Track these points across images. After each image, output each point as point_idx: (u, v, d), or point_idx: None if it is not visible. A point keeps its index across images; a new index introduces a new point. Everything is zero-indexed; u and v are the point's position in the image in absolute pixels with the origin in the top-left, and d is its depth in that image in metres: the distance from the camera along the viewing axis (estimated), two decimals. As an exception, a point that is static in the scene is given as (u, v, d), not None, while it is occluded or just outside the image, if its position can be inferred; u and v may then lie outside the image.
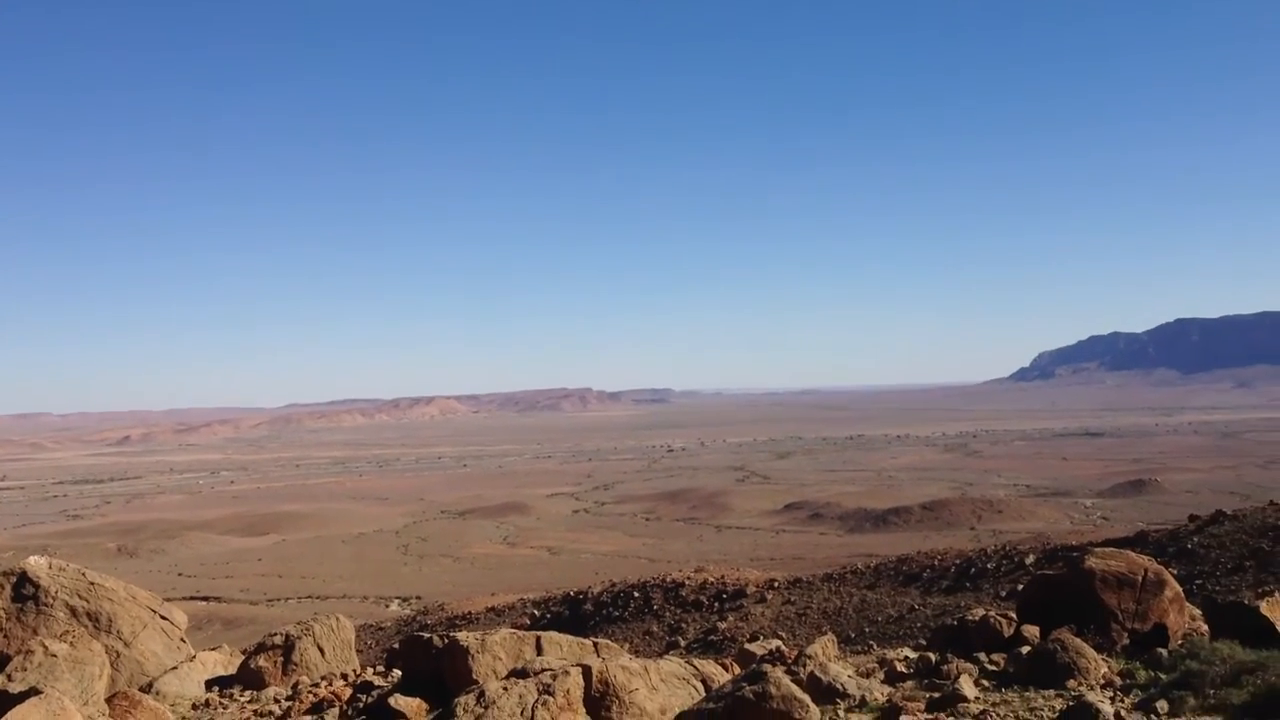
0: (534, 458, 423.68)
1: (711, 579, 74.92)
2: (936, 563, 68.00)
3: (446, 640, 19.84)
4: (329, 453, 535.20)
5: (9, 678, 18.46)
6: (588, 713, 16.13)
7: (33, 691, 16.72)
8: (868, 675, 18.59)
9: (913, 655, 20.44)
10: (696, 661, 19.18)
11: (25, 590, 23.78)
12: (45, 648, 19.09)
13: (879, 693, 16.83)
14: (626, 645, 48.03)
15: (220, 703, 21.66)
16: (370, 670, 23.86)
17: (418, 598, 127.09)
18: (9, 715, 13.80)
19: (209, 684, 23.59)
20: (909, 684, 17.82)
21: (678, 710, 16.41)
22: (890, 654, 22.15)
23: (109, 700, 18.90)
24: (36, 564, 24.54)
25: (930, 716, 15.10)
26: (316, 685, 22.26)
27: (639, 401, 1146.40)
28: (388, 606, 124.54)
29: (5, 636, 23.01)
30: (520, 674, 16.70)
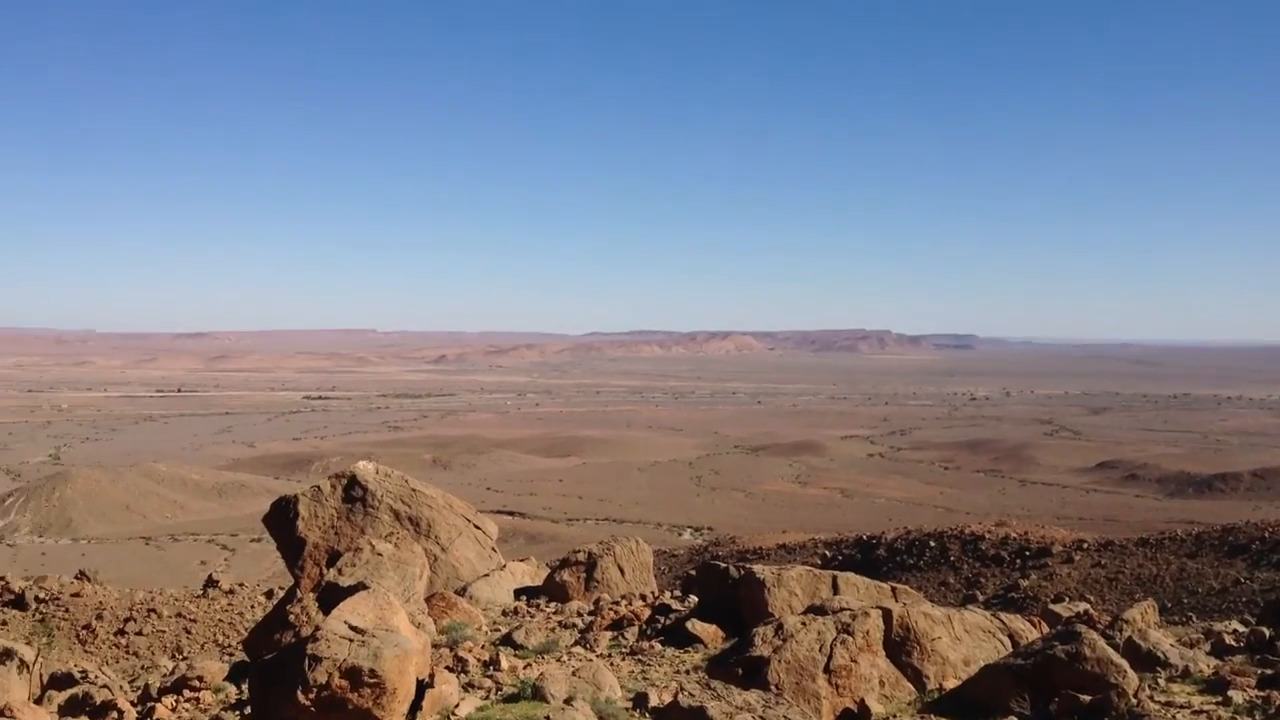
0: (829, 398, 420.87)
1: (1014, 534, 72.34)
2: (1268, 535, 62.87)
3: (743, 571, 19.90)
4: (627, 382, 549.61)
5: (339, 571, 19.83)
6: (888, 656, 15.79)
7: (360, 586, 17.90)
8: (1191, 646, 17.36)
9: (1242, 629, 18.95)
10: (1003, 616, 18.43)
11: (354, 492, 25.48)
12: (372, 546, 20.37)
13: (1204, 664, 15.65)
14: (920, 595, 46.88)
15: (528, 611, 22.57)
16: (668, 594, 24.31)
17: (709, 528, 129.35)
18: (341, 605, 14.75)
19: (517, 593, 24.66)
20: (1238, 658, 16.50)
21: (982, 662, 15.83)
22: (1217, 626, 20.66)
23: (428, 600, 20.06)
24: (365, 469, 26.21)
25: (1262, 694, 13.90)
26: (617, 603, 22.85)
27: (940, 346, 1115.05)
28: (680, 535, 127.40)
29: (336, 534, 24.75)
30: (818, 610, 16.52)
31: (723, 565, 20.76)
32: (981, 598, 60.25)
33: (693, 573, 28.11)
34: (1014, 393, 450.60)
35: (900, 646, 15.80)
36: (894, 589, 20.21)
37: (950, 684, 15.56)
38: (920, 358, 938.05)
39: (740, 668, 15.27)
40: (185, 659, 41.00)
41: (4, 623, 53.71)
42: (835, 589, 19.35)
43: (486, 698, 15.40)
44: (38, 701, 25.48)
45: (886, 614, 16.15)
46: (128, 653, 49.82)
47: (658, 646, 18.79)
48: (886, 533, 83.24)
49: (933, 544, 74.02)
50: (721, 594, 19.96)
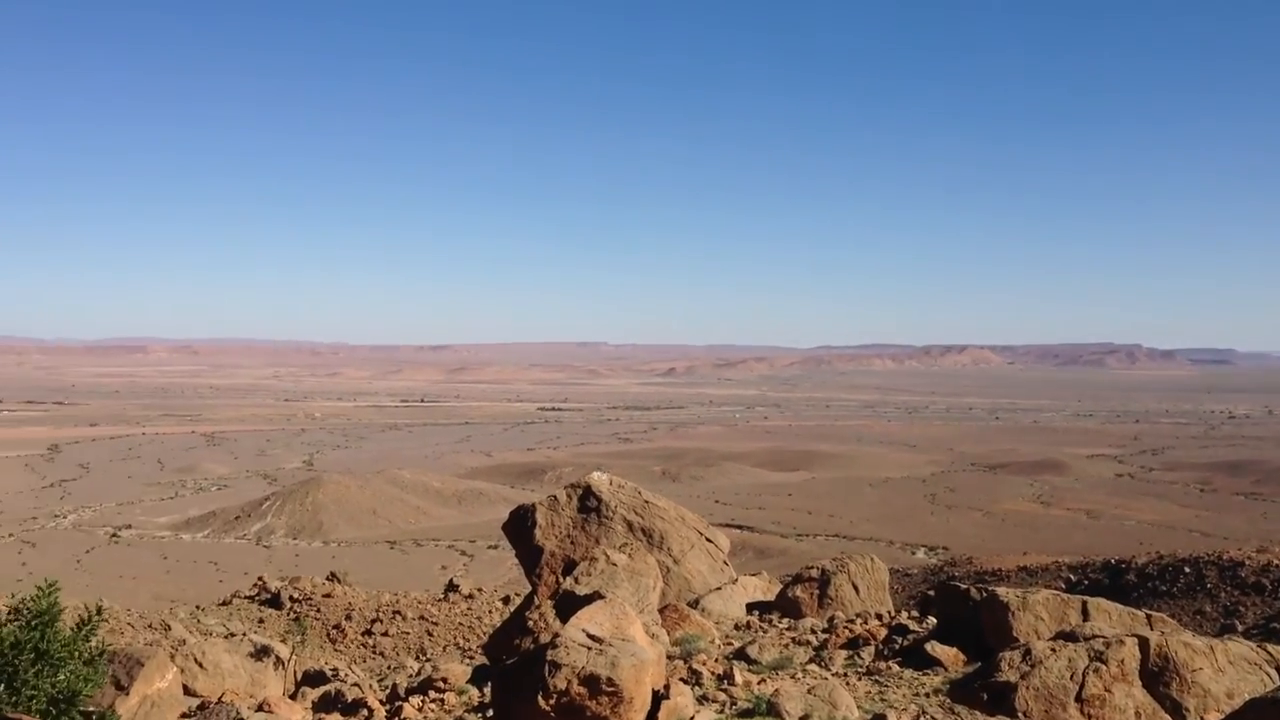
0: (1073, 415, 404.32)
1: (1276, 561, 67.55)
2: None
3: (985, 593, 19.16)
4: (858, 395, 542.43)
5: (576, 580, 20.13)
6: (1144, 686, 14.85)
7: (596, 595, 18.11)
8: None
9: None
10: (1270, 648, 17.09)
11: (589, 503, 25.83)
12: (607, 557, 20.60)
13: None
14: (1176, 623, 44.26)
15: (760, 626, 22.35)
16: (904, 614, 23.66)
17: (944, 548, 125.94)
18: (579, 613, 14.89)
19: (749, 607, 24.47)
20: None
21: (1246, 696, 14.69)
22: None
23: (661, 611, 20.10)
24: (599, 479, 26.54)
25: None
26: (852, 621, 22.37)
27: (1195, 361, 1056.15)
28: (914, 554, 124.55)
29: (571, 543, 25.14)
30: (1068, 637, 15.71)
31: (963, 586, 20.05)
32: (1240, 628, 56.35)
33: (929, 593, 27.30)
34: (1277, 411, 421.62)
35: (1158, 677, 14.85)
36: (1149, 616, 19.06)
37: (1212, 718, 14.53)
38: (1174, 373, 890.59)
39: (985, 693, 14.66)
40: (429, 660, 42.51)
41: (261, 621, 56.98)
42: (1085, 615, 18.39)
43: (721, 711, 15.28)
44: (292, 697, 26.84)
45: (1143, 642, 15.21)
46: (374, 652, 52.08)
47: (895, 667, 18.28)
48: (1137, 557, 79.04)
49: (1187, 570, 69.85)
50: (961, 616, 19.27)
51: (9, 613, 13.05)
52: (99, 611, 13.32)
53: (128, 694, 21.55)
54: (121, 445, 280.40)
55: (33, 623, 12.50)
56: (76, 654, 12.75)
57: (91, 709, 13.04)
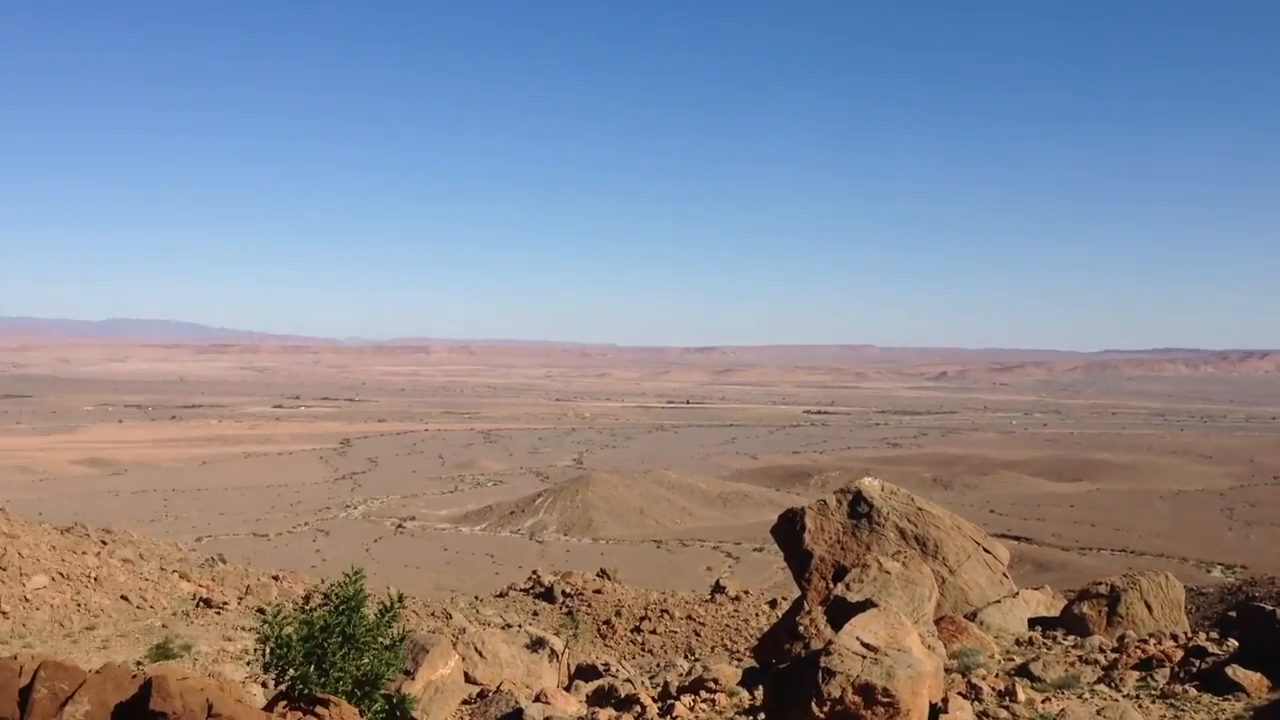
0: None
1: None
2: None
3: (1294, 617, 17.76)
4: (1146, 403, 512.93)
5: (847, 587, 19.85)
6: None
7: (869, 603, 17.78)
8: None
9: None
10: None
11: (860, 509, 25.43)
12: (879, 564, 20.22)
13: None
14: None
15: (1043, 642, 21.45)
16: (1202, 635, 22.18)
17: (1242, 566, 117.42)
18: (853, 621, 14.67)
19: (1031, 622, 23.52)
20: None
21: None
22: None
23: (936, 622, 19.58)
24: (870, 485, 26.10)
25: None
26: (1144, 641, 21.13)
27: None
28: (1209, 572, 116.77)
29: (841, 548, 24.82)
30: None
31: (1267, 608, 18.63)
32: None
33: (1229, 614, 25.48)
34: None
35: None
36: None
37: None
38: None
39: (1298, 726, 13.57)
40: (698, 660, 42.89)
41: (535, 613, 58.95)
42: None
43: (1002, 729, 14.71)
44: (566, 689, 27.61)
45: None
46: (643, 649, 52.96)
47: (1192, 691, 17.16)
48: None
49: None
50: (1266, 640, 17.91)
51: (320, 598, 14.02)
52: (400, 599, 14.11)
53: (414, 679, 22.70)
54: (406, 440, 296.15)
55: (340, 608, 13.37)
56: (379, 639, 13.57)
57: (389, 692, 13.85)
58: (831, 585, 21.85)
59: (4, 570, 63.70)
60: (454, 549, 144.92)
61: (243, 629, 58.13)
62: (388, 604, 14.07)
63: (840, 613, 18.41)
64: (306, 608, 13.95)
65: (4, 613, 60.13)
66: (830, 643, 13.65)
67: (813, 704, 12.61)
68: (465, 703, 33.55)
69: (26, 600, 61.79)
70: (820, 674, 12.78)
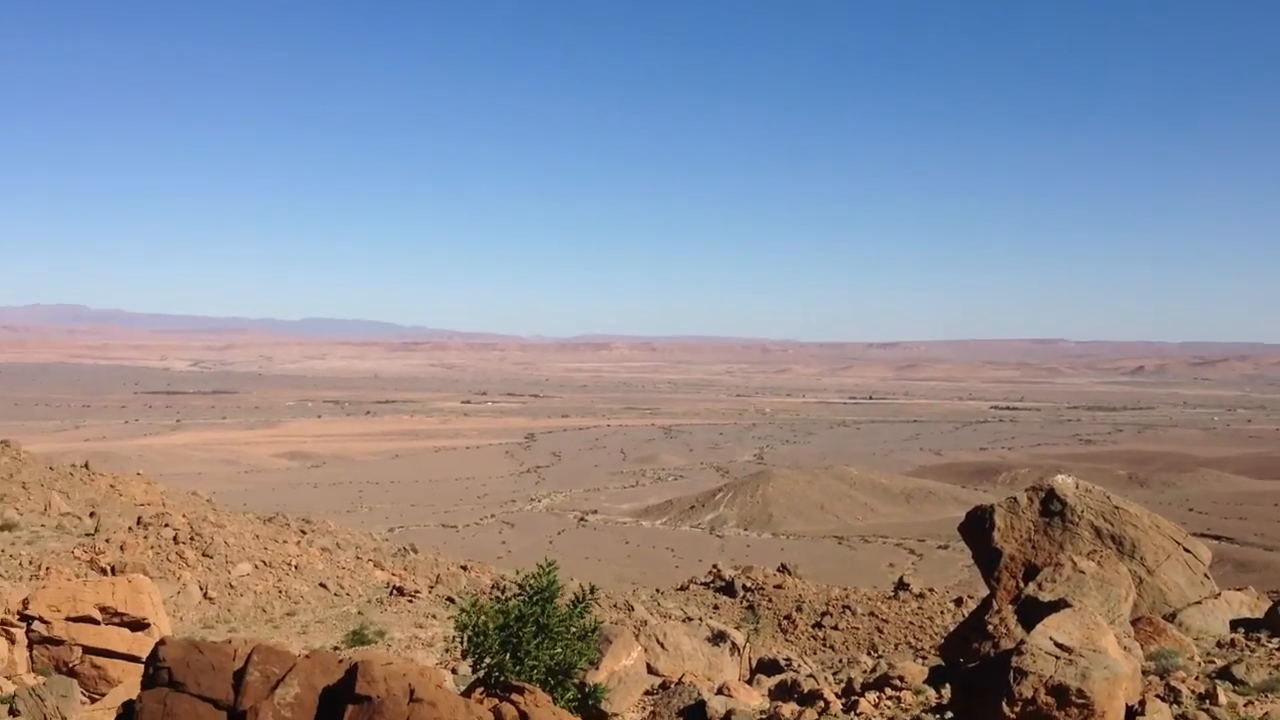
0: None
1: None
2: None
3: None
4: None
5: (1039, 586, 19.38)
6: None
7: (1062, 603, 17.34)
8: None
9: None
10: None
11: (1052, 506, 24.72)
12: (1073, 563, 19.66)
13: None
14: None
15: (1246, 645, 20.53)
16: None
17: None
18: (1045, 621, 14.36)
19: (1233, 624, 22.54)
20: None
21: None
22: None
23: (1133, 623, 18.96)
24: (1064, 483, 25.35)
25: None
26: (1360, 648, 20.02)
27: None
28: None
29: (1033, 547, 24.20)
30: None
31: None
32: None
33: None
34: None
35: None
36: None
37: None
38: None
39: None
40: (881, 657, 42.43)
41: (716, 607, 59.23)
42: None
43: (1203, 734, 14.20)
44: (748, 682, 27.73)
45: None
46: (824, 645, 52.69)
47: None
48: None
49: None
50: None
51: (515, 589, 14.48)
52: (592, 591, 14.48)
53: (597, 669, 23.17)
54: (589, 436, 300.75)
55: (534, 599, 13.81)
56: (571, 629, 13.95)
57: (579, 682, 14.23)
58: (1022, 584, 21.36)
59: (211, 558, 67.45)
60: (635, 542, 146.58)
61: (433, 617, 60.18)
62: (579, 595, 14.44)
63: (1031, 612, 18.00)
64: (501, 598, 14.42)
65: (210, 598, 63.66)
66: (1022, 642, 13.41)
67: (1004, 704, 12.42)
68: (647, 693, 34.02)
69: (232, 586, 65.28)
70: (1012, 674, 12.58)
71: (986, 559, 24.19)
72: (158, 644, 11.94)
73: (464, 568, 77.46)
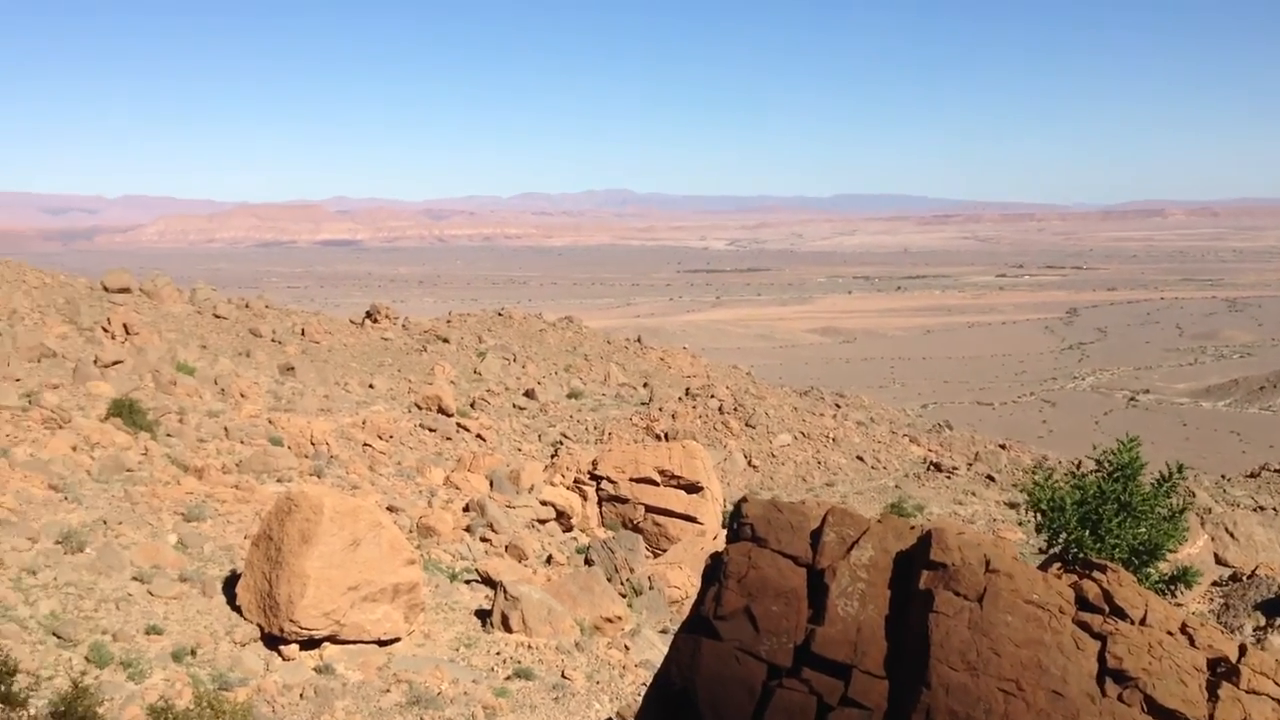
0: None
1: None
2: None
3: None
4: None
5: None
6: None
7: None
8: None
9: None
10: None
11: None
12: None
13: None
14: None
15: None
16: None
17: None
18: None
19: None
20: None
21: None
22: None
23: None
24: None
25: None
26: None
27: None
28: None
29: None
30: None
31: None
32: None
33: None
34: None
35: None
36: None
37: None
38: None
39: None
40: None
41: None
42: None
43: None
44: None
45: None
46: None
47: None
48: None
49: None
50: None
51: (1093, 465, 13.87)
52: (1179, 470, 13.55)
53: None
54: (1138, 310, 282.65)
55: (1115, 475, 13.15)
56: (1156, 509, 13.17)
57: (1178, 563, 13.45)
58: None
59: (753, 428, 71.04)
60: (1193, 425, 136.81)
61: (972, 494, 59.74)
62: (1165, 475, 13.55)
63: None
64: (1076, 474, 13.87)
65: (754, 466, 67.26)
66: None
67: None
68: (1215, 584, 31.77)
69: (773, 456, 68.46)
70: None
71: None
72: (740, 501, 12.59)
73: (1002, 446, 75.97)
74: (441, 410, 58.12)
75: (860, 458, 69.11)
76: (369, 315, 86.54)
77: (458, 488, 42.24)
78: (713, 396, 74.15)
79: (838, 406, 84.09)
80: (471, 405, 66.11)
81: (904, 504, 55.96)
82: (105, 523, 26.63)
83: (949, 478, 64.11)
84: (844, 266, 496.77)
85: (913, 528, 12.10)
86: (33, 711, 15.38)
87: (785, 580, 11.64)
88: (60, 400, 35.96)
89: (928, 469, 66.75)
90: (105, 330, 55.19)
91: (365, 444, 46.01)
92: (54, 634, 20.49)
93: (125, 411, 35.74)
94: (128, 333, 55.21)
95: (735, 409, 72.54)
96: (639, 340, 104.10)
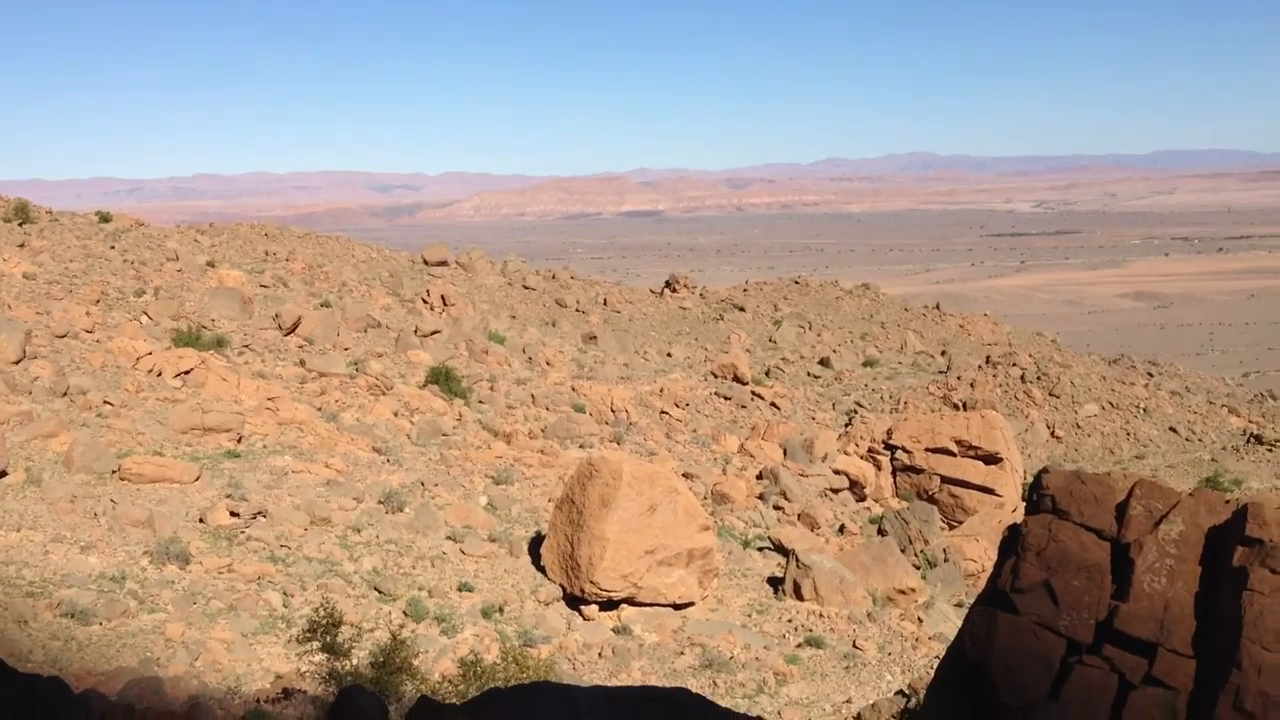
0: None
1: None
2: None
3: None
4: None
5: None
6: None
7: None
8: None
9: None
10: None
11: None
12: None
13: None
14: None
15: None
16: None
17: None
18: None
19: None
20: None
21: None
22: None
23: None
24: None
25: None
26: None
27: None
28: None
29: None
30: None
31: None
32: None
33: None
34: None
35: None
36: None
37: None
38: None
39: None
40: None
41: None
42: None
43: None
44: None
45: None
46: None
47: None
48: None
49: None
50: None
51: None
52: None
53: None
54: None
55: None
56: None
57: None
58: None
59: (1058, 397, 68.28)
60: None
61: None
62: None
63: None
64: None
65: (1058, 437, 64.66)
66: None
67: None
68: None
69: (1078, 426, 65.63)
70: None
71: None
72: (1041, 472, 12.31)
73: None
74: (737, 378, 58.94)
75: (1173, 429, 65.35)
76: (668, 285, 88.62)
77: (751, 455, 42.81)
78: (1014, 365, 71.81)
79: (1150, 375, 79.72)
80: (766, 373, 66.70)
81: (1220, 478, 52.76)
82: (423, 484, 28.61)
83: (1271, 450, 59.85)
84: (1160, 227, 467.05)
85: (1227, 502, 11.52)
86: (354, 661, 16.73)
87: (1087, 554, 11.34)
88: (384, 368, 38.78)
89: (1248, 441, 62.46)
90: (425, 301, 58.92)
91: (662, 411, 47.26)
92: (375, 589, 22.23)
93: (442, 379, 38.20)
94: (445, 304, 58.74)
95: (1038, 378, 70.01)
96: (937, 307, 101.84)
